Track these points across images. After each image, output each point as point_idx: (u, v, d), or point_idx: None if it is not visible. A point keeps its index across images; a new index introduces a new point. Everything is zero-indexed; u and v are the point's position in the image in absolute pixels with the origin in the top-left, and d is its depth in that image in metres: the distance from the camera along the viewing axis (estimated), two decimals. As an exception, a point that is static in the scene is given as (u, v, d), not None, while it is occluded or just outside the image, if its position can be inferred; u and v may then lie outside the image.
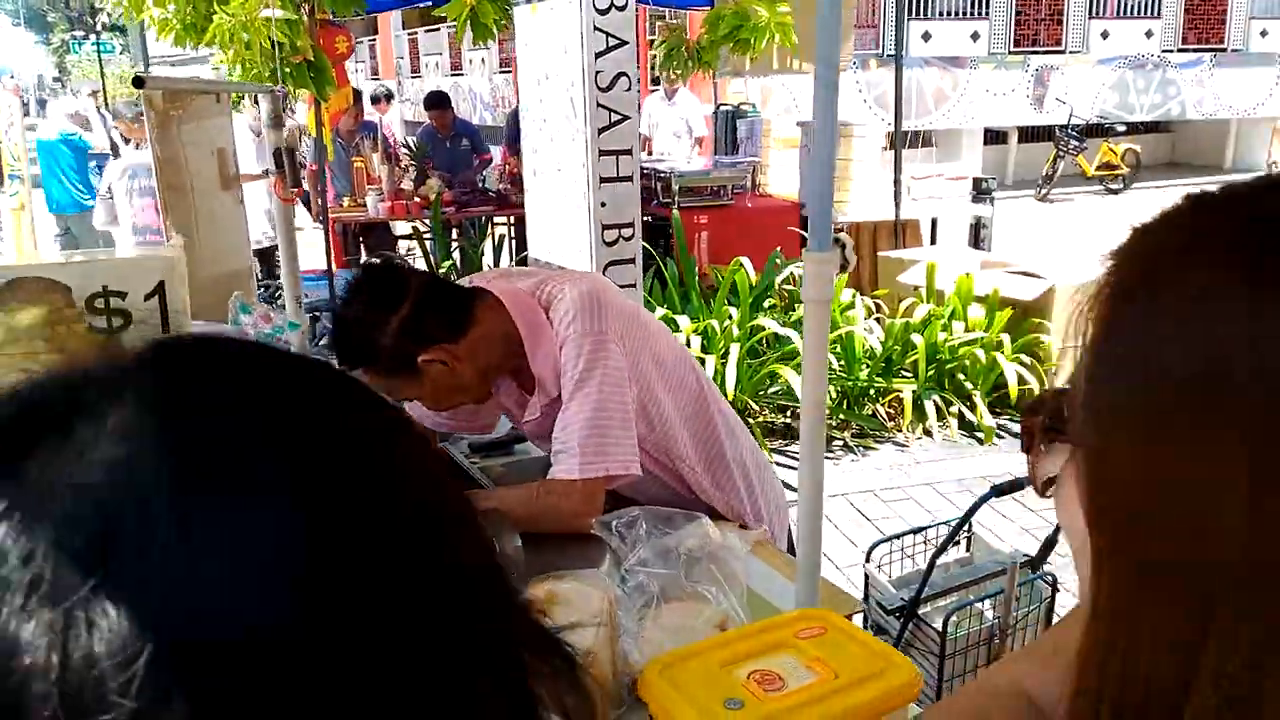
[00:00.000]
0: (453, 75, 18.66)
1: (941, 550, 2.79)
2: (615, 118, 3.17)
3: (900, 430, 5.37)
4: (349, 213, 7.27)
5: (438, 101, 8.23)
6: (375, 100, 12.17)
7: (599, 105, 3.14)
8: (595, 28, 3.05)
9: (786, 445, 5.26)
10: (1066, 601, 3.64)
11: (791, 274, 5.94)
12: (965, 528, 3.02)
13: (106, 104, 13.54)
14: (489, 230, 7.32)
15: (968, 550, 3.22)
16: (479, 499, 1.80)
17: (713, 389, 2.13)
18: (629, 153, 3.23)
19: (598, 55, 3.09)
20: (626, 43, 3.13)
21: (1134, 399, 0.50)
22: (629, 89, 3.18)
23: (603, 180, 3.19)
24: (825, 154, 1.41)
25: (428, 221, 7.16)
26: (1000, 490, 2.64)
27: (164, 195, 1.98)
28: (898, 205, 6.68)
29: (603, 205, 3.21)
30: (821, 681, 1.25)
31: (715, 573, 1.53)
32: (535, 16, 3.37)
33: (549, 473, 1.83)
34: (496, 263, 7.02)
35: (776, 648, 1.39)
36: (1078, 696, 0.51)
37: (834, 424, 5.40)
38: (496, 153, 8.53)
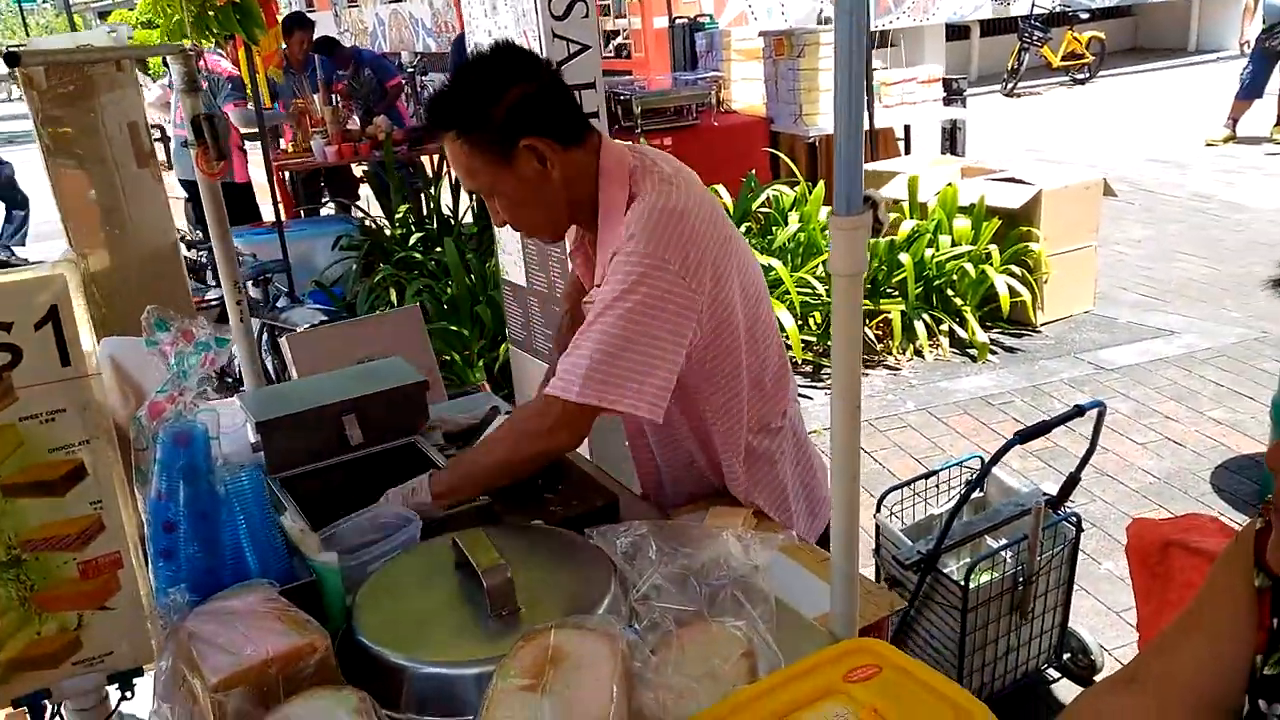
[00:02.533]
0: (391, 2, 17.91)
1: (961, 504, 2.59)
2: (574, 49, 2.87)
3: (891, 353, 5.17)
4: (294, 159, 6.87)
5: (327, 46, 7.74)
6: None
7: (555, 36, 2.83)
8: (544, -53, 2.74)
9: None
10: (1086, 538, 3.47)
11: (768, 197, 5.65)
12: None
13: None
14: (444, 168, 6.94)
15: (982, 491, 3.03)
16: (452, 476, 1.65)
17: (787, 367, 1.92)
18: (592, 86, 2.94)
19: (549, -21, 2.78)
20: (580, -38, 2.82)
21: None
22: (586, 15, 2.87)
23: (566, 118, 2.90)
24: (850, 105, 1.15)
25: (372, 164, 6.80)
26: (1024, 436, 2.44)
27: (61, 183, 1.67)
28: (871, 115, 6.38)
29: (568, 146, 2.92)
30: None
31: (740, 598, 1.31)
32: (477, -62, 3.04)
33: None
34: (455, 203, 6.67)
35: (825, 695, 1.18)
36: None
37: (823, 351, 5.18)
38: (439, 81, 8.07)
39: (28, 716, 1.38)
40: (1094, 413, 2.58)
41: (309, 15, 10.03)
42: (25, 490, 1.26)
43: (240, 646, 1.20)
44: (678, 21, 8.58)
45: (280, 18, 7.13)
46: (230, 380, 4.13)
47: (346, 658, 1.31)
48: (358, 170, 7.77)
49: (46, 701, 1.36)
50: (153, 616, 1.36)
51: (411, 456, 1.94)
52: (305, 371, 2.19)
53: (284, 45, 6.93)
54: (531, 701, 1.09)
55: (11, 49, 1.56)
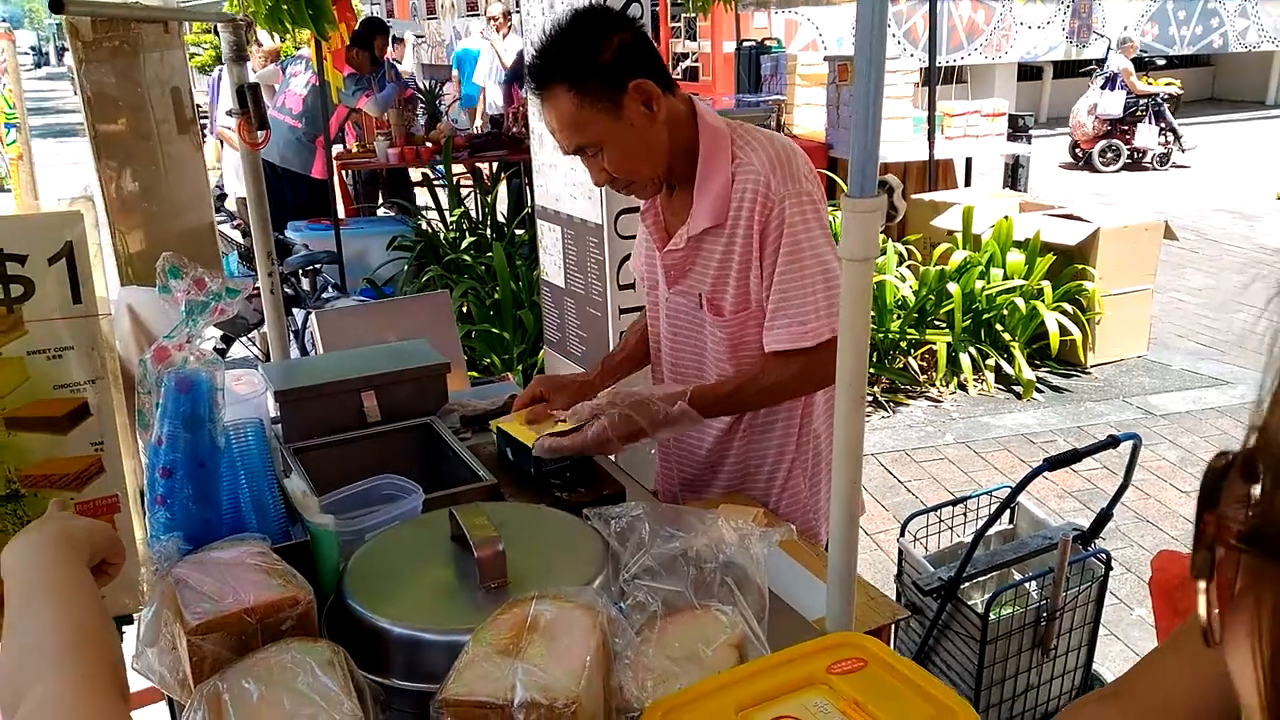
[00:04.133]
0: (469, 15, 18.20)
1: (985, 530, 2.54)
2: (626, 50, 2.88)
3: (934, 384, 5.09)
4: (356, 159, 6.98)
5: (377, 29, 7.68)
6: None
7: (608, 36, 2.84)
8: (600, -49, 2.75)
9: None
10: (1120, 583, 3.38)
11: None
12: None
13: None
14: (501, 176, 7.00)
15: (1011, 522, 2.96)
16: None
17: None
18: (641, 89, 2.94)
19: (604, -18, 2.79)
20: (634, -33, 2.83)
21: None
22: (641, 16, 2.88)
23: (613, 121, 2.90)
24: (870, 82, 1.13)
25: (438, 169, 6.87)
26: (1053, 464, 2.38)
27: (100, 142, 1.71)
28: (931, 145, 6.32)
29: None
30: (860, 737, 1.01)
31: (730, 585, 1.28)
32: (535, -61, 3.07)
33: (766, 343, 1.73)
34: (513, 212, 6.72)
35: (806, 685, 1.15)
36: None
37: (872, 380, 5.12)
38: (496, 92, 8.06)
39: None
40: (1129, 447, 2.51)
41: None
42: (28, 424, 1.28)
43: (222, 594, 1.20)
44: (744, 45, 8.59)
45: (360, 19, 7.24)
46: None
47: (336, 621, 1.31)
48: (420, 174, 7.85)
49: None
50: (146, 564, 1.37)
51: (427, 437, 1.95)
52: (332, 349, 2.21)
53: (356, 48, 7.03)
54: (504, 664, 1.08)
55: (57, -5, 1.62)
